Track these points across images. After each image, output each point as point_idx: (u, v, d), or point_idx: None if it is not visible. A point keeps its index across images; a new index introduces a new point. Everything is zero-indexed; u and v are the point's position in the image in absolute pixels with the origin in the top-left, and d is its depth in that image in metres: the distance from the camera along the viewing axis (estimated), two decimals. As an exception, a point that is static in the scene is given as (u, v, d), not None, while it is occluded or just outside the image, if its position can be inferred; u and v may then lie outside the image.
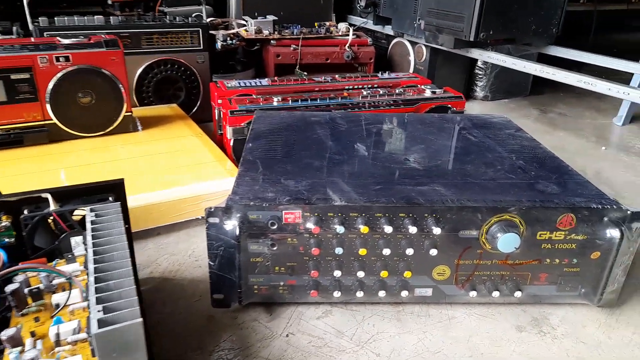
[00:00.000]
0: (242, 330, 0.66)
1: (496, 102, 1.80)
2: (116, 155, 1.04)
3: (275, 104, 1.11)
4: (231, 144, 1.07)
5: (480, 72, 1.75)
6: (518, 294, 0.69)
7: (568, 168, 0.78)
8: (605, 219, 0.65)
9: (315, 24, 1.69)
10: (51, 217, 0.57)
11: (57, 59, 1.01)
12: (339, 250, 0.64)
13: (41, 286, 0.49)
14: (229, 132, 1.06)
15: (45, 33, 1.18)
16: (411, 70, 1.75)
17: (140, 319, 0.39)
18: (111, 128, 1.11)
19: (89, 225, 0.53)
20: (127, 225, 0.72)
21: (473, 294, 0.69)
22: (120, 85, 1.09)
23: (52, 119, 1.06)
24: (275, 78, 1.32)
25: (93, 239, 0.50)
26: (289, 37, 1.59)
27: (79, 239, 0.56)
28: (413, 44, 1.73)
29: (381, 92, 1.21)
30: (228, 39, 1.59)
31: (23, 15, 1.25)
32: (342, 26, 1.68)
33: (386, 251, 0.65)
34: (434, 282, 0.69)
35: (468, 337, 0.67)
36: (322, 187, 0.68)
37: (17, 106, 1.02)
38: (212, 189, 0.91)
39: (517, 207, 0.65)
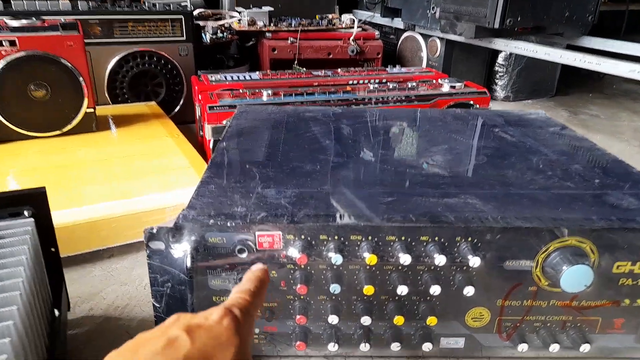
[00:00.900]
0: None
1: (519, 102, 1.61)
2: (69, 159, 0.86)
3: (264, 98, 0.93)
4: (210, 145, 0.88)
5: (500, 70, 1.56)
6: (585, 347, 0.50)
7: (641, 174, 0.59)
8: None
9: (317, 16, 1.52)
10: None
11: (0, 44, 0.84)
12: (335, 288, 0.46)
13: None
14: (207, 131, 0.88)
15: (-1, 18, 1.02)
16: (424, 67, 1.57)
17: None
18: (69, 127, 0.94)
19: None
20: (52, 249, 0.55)
21: (523, 347, 0.50)
22: (80, 77, 0.91)
23: (-4, 116, 0.88)
24: (268, 71, 1.14)
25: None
26: (285, 29, 1.42)
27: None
28: (426, 37, 1.55)
29: (391, 87, 1.02)
30: (219, 31, 1.42)
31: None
32: (346, 18, 1.50)
33: (402, 289, 0.46)
34: (468, 331, 0.50)
35: (518, 411, 0.47)
36: (313, 200, 0.49)
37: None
38: (181, 200, 0.73)
39: (588, 228, 0.46)
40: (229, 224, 0.45)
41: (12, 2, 1.06)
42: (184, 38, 1.19)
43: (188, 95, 1.23)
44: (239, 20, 1.43)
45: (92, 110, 0.95)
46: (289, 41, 1.40)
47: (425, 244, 0.46)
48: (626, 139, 1.29)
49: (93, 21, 1.09)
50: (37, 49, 0.87)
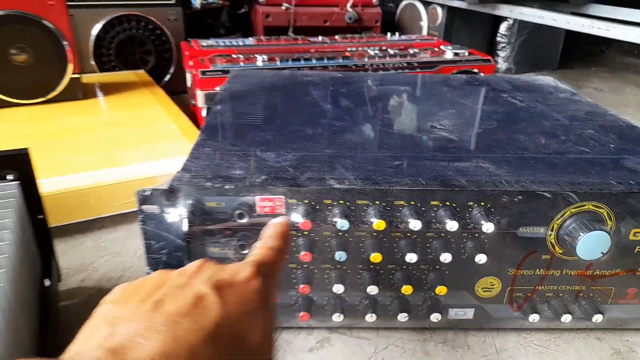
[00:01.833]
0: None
1: (521, 75, 1.57)
2: (54, 127, 0.81)
3: (259, 64, 0.88)
4: (203, 113, 0.84)
5: (502, 41, 1.52)
6: (598, 318, 0.48)
7: (657, 139, 0.57)
8: None
9: (312, -19, 1.46)
10: None
11: (-24, 1, 0.79)
12: (340, 256, 0.43)
13: None
14: (199, 97, 0.83)
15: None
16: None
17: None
18: (54, 94, 0.89)
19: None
20: (40, 216, 0.52)
21: (534, 317, 0.48)
22: (64, 40, 0.86)
23: (-25, 81, 0.83)
24: (262, 37, 1.09)
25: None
26: (280, -6, 1.35)
27: None
28: (426, 4, 1.50)
29: (392, 53, 0.98)
30: (209, -3, 1.36)
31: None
32: (343, -16, 1.44)
33: (411, 257, 0.43)
34: (478, 301, 0.48)
35: (528, 381, 0.46)
36: (317, 163, 0.46)
37: None
38: (173, 169, 0.69)
39: (606, 192, 0.43)
40: (226, 187, 0.41)
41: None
42: (173, 1, 1.13)
43: (178, 64, 1.17)
44: (231, -15, 1.36)
45: (77, 76, 0.90)
46: (283, 7, 1.34)
47: (436, 209, 0.43)
48: (631, 112, 1.27)
49: (76, -18, 1.03)
50: (15, 8, 0.81)
